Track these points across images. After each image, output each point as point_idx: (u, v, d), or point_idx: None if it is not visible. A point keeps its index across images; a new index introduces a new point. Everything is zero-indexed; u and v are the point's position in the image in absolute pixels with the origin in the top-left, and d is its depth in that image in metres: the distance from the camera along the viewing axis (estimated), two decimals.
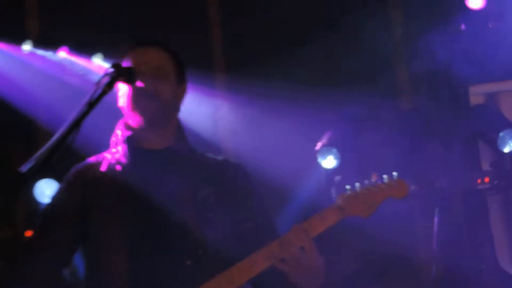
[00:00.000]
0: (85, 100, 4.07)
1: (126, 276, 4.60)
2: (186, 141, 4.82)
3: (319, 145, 7.72)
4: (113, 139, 4.74)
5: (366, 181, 4.63)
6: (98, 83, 4.16)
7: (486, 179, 7.88)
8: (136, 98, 4.67)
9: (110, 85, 4.19)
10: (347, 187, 4.58)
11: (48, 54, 8.12)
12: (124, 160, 4.70)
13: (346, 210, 4.53)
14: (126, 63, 4.60)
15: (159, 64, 4.74)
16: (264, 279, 4.55)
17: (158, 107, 4.71)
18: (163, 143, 4.76)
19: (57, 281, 4.70)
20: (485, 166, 8.14)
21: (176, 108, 4.79)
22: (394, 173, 4.59)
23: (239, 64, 8.69)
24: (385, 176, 4.58)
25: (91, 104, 4.04)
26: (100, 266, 4.66)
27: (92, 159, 4.77)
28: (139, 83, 4.62)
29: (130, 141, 4.70)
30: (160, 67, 4.72)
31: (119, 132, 4.73)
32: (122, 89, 4.65)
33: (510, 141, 7.77)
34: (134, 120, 4.68)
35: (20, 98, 7.90)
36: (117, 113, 4.79)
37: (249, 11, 8.88)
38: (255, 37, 8.75)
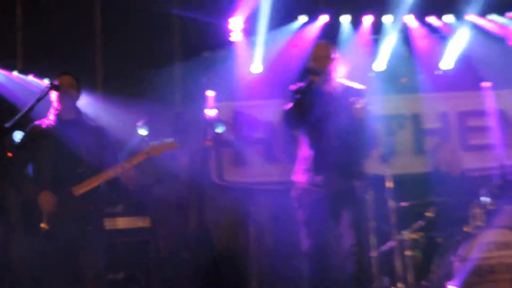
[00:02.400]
0: (36, 98, 4.23)
1: (51, 176, 4.68)
2: (81, 115, 4.91)
3: (139, 123, 7.43)
4: (49, 114, 4.83)
5: (159, 140, 4.64)
6: (42, 90, 4.34)
7: (210, 142, 7.58)
8: (65, 97, 4.74)
9: (47, 92, 4.36)
10: (150, 142, 4.67)
11: (26, 77, 7.68)
12: (54, 124, 4.78)
13: (149, 153, 4.62)
14: (57, 82, 4.66)
15: (73, 83, 4.82)
16: (112, 180, 4.69)
17: (72, 101, 4.82)
18: (71, 116, 4.81)
19: (24, 175, 4.80)
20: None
21: (77, 100, 4.89)
22: (171, 138, 4.58)
23: (111, 81, 8.16)
24: (166, 139, 4.65)
25: (38, 100, 4.27)
26: (38, 171, 4.75)
27: (37, 122, 4.91)
28: (67, 91, 4.70)
29: (57, 115, 4.81)
30: (73, 84, 4.84)
31: (52, 111, 4.86)
32: (55, 94, 4.77)
33: (219, 126, 7.54)
34: (62, 106, 4.73)
35: (12, 97, 7.46)
36: (47, 104, 4.84)
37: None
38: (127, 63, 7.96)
